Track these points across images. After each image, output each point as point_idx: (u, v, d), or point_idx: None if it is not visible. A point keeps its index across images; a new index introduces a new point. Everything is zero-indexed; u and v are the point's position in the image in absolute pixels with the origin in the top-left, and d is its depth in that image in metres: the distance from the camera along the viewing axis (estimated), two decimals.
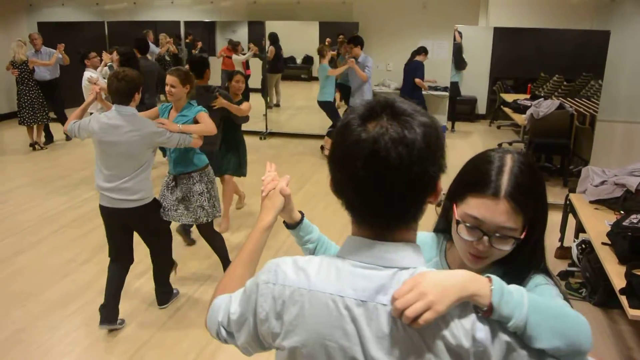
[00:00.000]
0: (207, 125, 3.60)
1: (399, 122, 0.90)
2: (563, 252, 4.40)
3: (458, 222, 1.16)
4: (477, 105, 10.00)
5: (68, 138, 8.43)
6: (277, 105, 9.83)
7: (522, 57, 9.53)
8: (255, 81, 9.11)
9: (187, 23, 9.53)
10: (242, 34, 9.72)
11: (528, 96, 8.20)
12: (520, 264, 1.19)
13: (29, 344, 3.36)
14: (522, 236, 1.14)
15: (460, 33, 8.68)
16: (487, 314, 0.90)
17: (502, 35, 9.24)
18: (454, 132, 8.99)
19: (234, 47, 9.19)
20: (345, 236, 1.01)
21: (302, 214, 1.46)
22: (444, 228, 1.35)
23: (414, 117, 0.91)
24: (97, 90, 3.75)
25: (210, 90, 4.49)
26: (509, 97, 8.64)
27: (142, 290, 3.98)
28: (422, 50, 7.77)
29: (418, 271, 0.93)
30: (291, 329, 0.97)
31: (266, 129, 9.12)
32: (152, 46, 9.03)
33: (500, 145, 8.15)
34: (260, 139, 8.87)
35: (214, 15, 9.51)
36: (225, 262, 3.98)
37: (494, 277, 0.94)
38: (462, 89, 9.74)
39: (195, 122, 3.61)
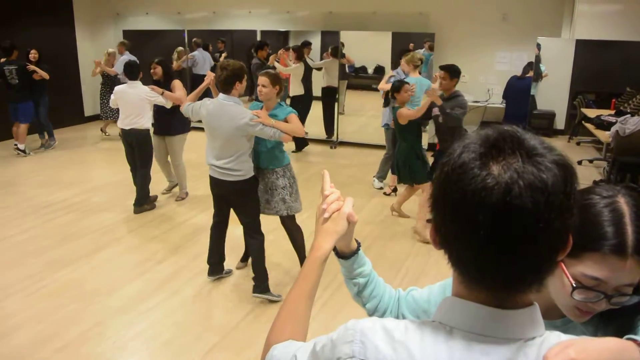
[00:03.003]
0: (297, 127, 3.80)
1: (533, 162, 0.72)
2: None
3: (572, 284, 1.01)
4: (555, 119, 9.64)
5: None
6: (341, 112, 9.81)
7: (606, 71, 9.12)
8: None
9: (262, 32, 9.72)
10: (314, 44, 9.81)
11: (612, 112, 7.83)
12: (622, 311, 1.05)
13: (106, 338, 3.49)
14: None
15: (538, 45, 8.41)
16: None
17: (584, 48, 8.90)
18: None
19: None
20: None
21: (359, 243, 1.24)
22: None
23: (547, 156, 0.74)
24: (212, 76, 4.14)
25: None
26: (590, 112, 8.28)
27: (215, 294, 4.07)
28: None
29: (546, 340, 0.79)
30: None
31: (337, 138, 9.14)
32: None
33: (580, 162, 7.80)
34: (331, 147, 8.91)
35: (290, 24, 9.65)
36: (301, 256, 4.19)
37: None
38: (539, 103, 9.41)
39: (286, 122, 3.79)
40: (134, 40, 10.48)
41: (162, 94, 5.40)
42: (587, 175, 7.08)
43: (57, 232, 5.17)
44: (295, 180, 4.06)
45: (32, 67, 7.80)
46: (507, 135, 0.76)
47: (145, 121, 5.50)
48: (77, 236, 5.09)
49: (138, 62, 6.73)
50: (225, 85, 3.64)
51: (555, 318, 1.12)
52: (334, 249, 1.21)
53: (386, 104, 5.81)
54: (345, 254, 1.22)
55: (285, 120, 3.77)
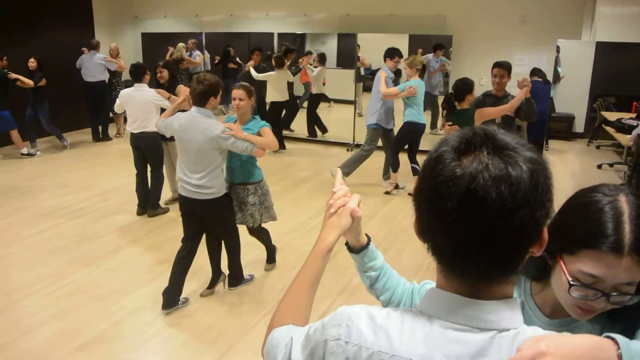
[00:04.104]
0: (271, 140, 3.78)
1: (501, 156, 0.77)
2: None
3: (569, 281, 1.02)
4: (574, 122, 9.52)
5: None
6: (359, 114, 9.78)
7: (626, 73, 9.00)
8: (347, 93, 9.27)
9: (279, 35, 9.74)
10: (331, 46, 9.82)
11: (633, 115, 7.72)
12: (631, 309, 1.03)
13: (123, 338, 3.51)
14: None
15: (557, 47, 8.33)
16: None
17: (605, 50, 8.79)
18: (548, 150, 8.59)
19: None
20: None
21: (369, 238, 1.30)
22: (527, 271, 1.20)
23: (519, 151, 0.78)
24: (187, 93, 4.06)
25: None
26: (611, 116, 8.18)
27: (231, 297, 4.08)
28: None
29: (521, 333, 0.81)
30: None
31: (353, 140, 9.13)
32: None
33: (599, 166, 7.70)
34: (347, 150, 8.90)
35: (307, 27, 9.66)
36: (270, 251, 4.43)
37: (619, 339, 0.81)
38: (557, 105, 9.30)
39: (259, 135, 3.76)
40: (153, 42, 10.61)
41: (168, 98, 5.41)
42: (607, 179, 6.98)
43: (74, 234, 5.22)
44: (268, 196, 4.08)
45: (13, 75, 7.66)
46: (480, 132, 0.81)
47: (154, 124, 5.52)
48: (94, 237, 5.13)
49: (143, 63, 6.77)
50: (199, 99, 3.58)
51: (562, 317, 1.13)
52: (346, 244, 1.28)
53: (451, 109, 5.09)
54: (356, 248, 1.28)
55: (258, 134, 3.74)
